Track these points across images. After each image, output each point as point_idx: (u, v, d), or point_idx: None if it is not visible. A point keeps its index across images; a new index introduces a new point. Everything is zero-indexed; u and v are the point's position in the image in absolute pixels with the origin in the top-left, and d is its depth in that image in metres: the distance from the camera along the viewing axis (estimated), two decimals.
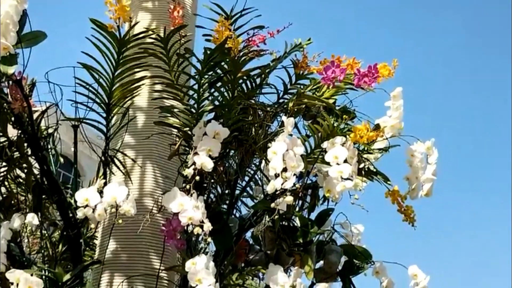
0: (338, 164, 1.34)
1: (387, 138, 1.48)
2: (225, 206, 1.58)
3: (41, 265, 1.47)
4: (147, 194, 1.56)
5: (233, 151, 1.53)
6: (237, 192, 1.60)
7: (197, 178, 1.30)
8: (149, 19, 1.68)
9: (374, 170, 1.55)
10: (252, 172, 1.64)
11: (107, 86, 1.46)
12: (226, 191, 1.58)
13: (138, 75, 1.49)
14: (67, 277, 1.39)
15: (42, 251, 1.58)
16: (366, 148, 1.48)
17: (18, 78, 1.37)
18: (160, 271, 1.47)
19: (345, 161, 1.35)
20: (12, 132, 1.47)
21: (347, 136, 1.40)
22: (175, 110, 1.49)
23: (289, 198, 1.30)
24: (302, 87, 1.55)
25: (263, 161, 1.53)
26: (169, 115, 1.50)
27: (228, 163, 1.56)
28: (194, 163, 1.31)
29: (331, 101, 1.51)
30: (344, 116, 1.45)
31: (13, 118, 1.43)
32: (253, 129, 1.50)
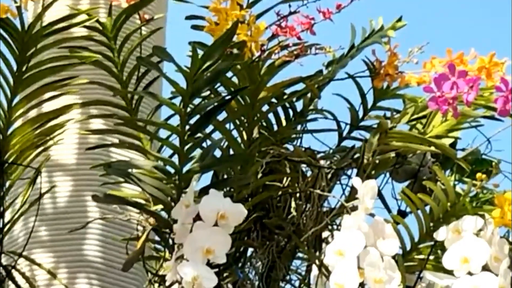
0: (470, 273, 1.09)
1: None
2: None
3: None
4: None
5: (254, 251, 1.31)
6: None
7: None
8: None
9: None
10: None
11: None
12: None
13: (58, 103, 1.25)
14: None
15: None
16: None
17: None
18: None
19: (485, 267, 1.09)
20: None
21: (486, 215, 1.17)
22: (135, 170, 1.24)
23: None
24: (388, 115, 1.34)
25: (314, 268, 1.32)
26: (122, 180, 1.26)
27: (245, 274, 1.31)
28: (177, 280, 1.09)
29: (448, 142, 1.29)
30: (479, 174, 1.20)
31: None
32: (293, 204, 1.27)
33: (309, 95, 1.32)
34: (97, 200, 1.27)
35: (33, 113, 1.25)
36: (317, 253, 1.27)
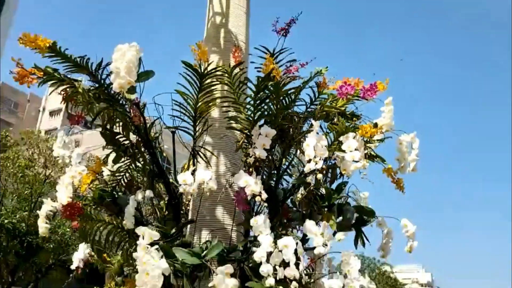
0: (351, 151, 1.58)
1: (383, 132, 1.71)
2: (273, 182, 1.82)
3: (156, 223, 1.76)
4: (221, 176, 1.81)
5: (277, 145, 1.76)
6: (281, 172, 1.84)
7: (256, 163, 1.59)
8: (218, 58, 1.96)
9: (375, 154, 1.77)
10: (290, 158, 1.88)
11: (193, 104, 1.74)
12: (274, 172, 1.82)
13: (213, 96, 1.76)
14: (173, 231, 1.69)
15: (153, 215, 1.87)
16: (369, 140, 1.70)
17: (136, 101, 1.69)
18: (233, 226, 1.75)
19: (356, 149, 1.58)
20: (133, 137, 1.78)
21: (356, 132, 1.63)
22: (238, 119, 1.74)
23: (320, 175, 1.55)
24: (323, 99, 1.77)
25: (298, 151, 1.79)
26: (234, 122, 1.75)
27: (275, 153, 1.79)
28: (254, 154, 1.58)
29: (343, 108, 1.74)
30: (354, 118, 1.71)
31: (133, 128, 1.75)
32: (291, 130, 1.75)
33: (296, 93, 1.70)
34: (227, 128, 1.71)
35: (204, 99, 1.70)
36: (299, 146, 1.69)
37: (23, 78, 1.45)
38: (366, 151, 1.70)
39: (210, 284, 1.28)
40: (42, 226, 1.72)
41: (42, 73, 1.51)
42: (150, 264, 1.28)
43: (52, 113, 22.07)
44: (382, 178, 1.75)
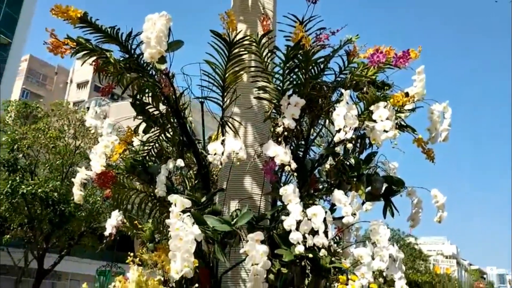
0: (382, 121, 1.57)
1: (414, 102, 1.69)
2: (300, 153, 1.85)
3: (188, 191, 1.80)
4: (249, 146, 1.84)
5: (305, 115, 1.78)
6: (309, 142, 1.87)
7: (285, 133, 1.60)
8: (245, 28, 1.95)
9: (405, 124, 1.76)
10: (318, 129, 1.92)
11: (222, 74, 1.75)
12: (302, 142, 1.85)
13: (241, 66, 1.76)
14: (203, 199, 1.71)
15: (182, 184, 1.93)
16: (399, 109, 1.69)
17: (166, 71, 1.69)
18: (261, 195, 1.79)
19: (387, 118, 1.57)
20: (162, 108, 1.80)
21: (388, 101, 1.62)
22: (267, 89, 1.75)
23: (349, 145, 1.57)
24: (353, 68, 1.76)
25: (327, 121, 1.82)
26: (263, 92, 1.77)
27: (303, 123, 1.82)
28: (283, 124, 1.61)
29: (374, 77, 1.73)
30: (385, 87, 1.71)
31: (162, 98, 1.77)
32: (320, 100, 1.75)
33: (325, 62, 1.72)
34: (256, 98, 1.73)
35: (232, 69, 1.69)
36: (328, 116, 1.71)
37: (57, 48, 1.47)
38: (396, 121, 1.68)
39: (241, 251, 1.30)
40: (77, 193, 1.78)
41: (75, 43, 1.51)
42: (184, 230, 1.31)
43: (79, 85, 22.56)
44: (412, 148, 1.73)
